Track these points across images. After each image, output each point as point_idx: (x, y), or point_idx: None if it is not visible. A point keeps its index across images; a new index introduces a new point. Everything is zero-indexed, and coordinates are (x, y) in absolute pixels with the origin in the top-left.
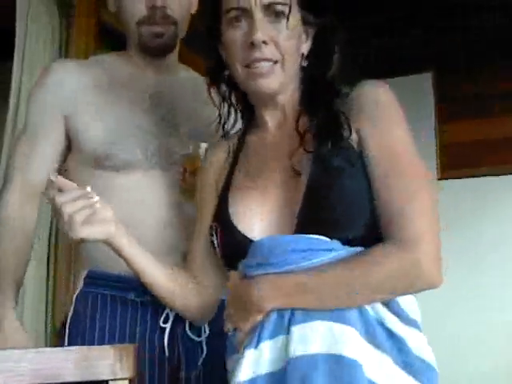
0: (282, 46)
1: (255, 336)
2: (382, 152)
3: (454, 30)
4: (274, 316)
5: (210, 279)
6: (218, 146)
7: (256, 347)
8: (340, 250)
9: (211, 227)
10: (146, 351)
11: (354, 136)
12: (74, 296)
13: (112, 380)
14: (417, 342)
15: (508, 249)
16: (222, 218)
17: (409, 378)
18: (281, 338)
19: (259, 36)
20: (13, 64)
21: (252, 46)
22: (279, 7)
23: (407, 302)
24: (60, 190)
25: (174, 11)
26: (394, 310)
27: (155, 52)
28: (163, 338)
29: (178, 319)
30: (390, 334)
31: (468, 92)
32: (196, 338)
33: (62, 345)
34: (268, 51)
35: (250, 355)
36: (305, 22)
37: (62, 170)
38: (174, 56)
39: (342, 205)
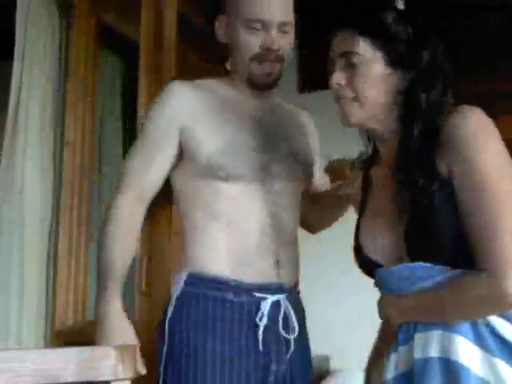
0: (355, 87)
1: (395, 343)
2: (466, 185)
3: (453, 30)
4: (405, 327)
5: None
6: (360, 176)
7: (395, 351)
8: (444, 274)
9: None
10: (243, 346)
11: (443, 167)
12: (175, 295)
13: (113, 381)
14: None
15: None
16: (356, 242)
17: None
18: (409, 344)
19: (333, 80)
20: (12, 64)
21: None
22: (350, 57)
23: None
24: None
25: (284, 51)
26: (504, 315)
27: (261, 88)
28: (258, 335)
29: (271, 318)
30: (500, 339)
31: (468, 92)
32: (287, 336)
33: (161, 342)
34: (343, 91)
35: (393, 358)
36: (393, 65)
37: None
38: None
39: (443, 233)
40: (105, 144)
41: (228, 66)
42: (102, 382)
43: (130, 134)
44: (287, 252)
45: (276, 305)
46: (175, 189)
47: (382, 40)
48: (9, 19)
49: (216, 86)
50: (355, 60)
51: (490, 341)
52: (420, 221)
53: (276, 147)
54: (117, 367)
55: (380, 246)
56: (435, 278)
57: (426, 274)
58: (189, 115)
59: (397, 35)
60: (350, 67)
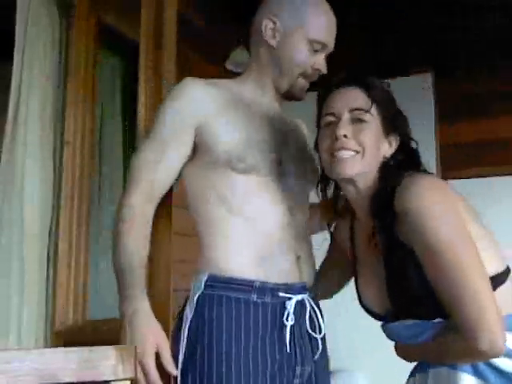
0: (362, 141)
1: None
2: (425, 256)
3: (453, 29)
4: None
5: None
6: (343, 223)
7: (413, 376)
8: (433, 328)
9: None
10: (268, 348)
11: (402, 236)
12: (195, 298)
13: (114, 381)
14: None
15: (507, 249)
16: (355, 287)
17: None
18: (424, 373)
19: (340, 131)
20: (12, 64)
21: (336, 139)
22: (361, 114)
23: None
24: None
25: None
26: None
27: (290, 99)
28: (284, 336)
29: (298, 318)
30: (499, 372)
31: (468, 92)
32: (315, 335)
33: (176, 347)
34: (347, 143)
35: (413, 381)
36: (386, 133)
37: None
38: None
39: (417, 292)
40: (105, 144)
41: (228, 66)
42: (102, 381)
43: (130, 133)
44: (306, 249)
45: (300, 304)
46: (187, 186)
47: (383, 105)
48: (9, 19)
49: (228, 84)
50: (366, 117)
51: (488, 373)
52: (395, 282)
53: (288, 146)
54: (117, 367)
55: (371, 298)
56: (428, 332)
57: (417, 330)
58: (204, 110)
59: (392, 105)
60: (358, 123)
